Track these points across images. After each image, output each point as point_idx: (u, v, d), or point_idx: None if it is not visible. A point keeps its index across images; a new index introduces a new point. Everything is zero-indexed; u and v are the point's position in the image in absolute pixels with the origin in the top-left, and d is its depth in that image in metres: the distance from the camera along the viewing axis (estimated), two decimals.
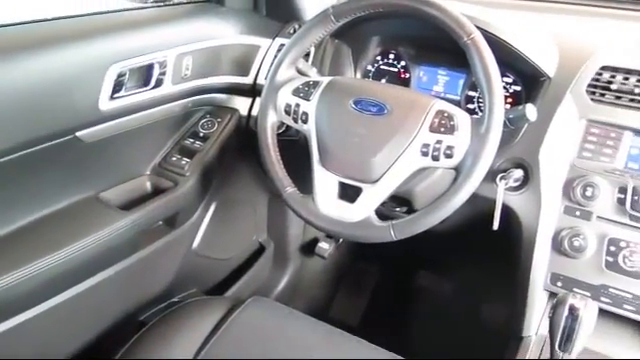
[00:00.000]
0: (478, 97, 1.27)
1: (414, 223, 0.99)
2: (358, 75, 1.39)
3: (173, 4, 1.39)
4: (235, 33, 1.38)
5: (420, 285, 2.00)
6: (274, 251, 1.77)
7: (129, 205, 1.23)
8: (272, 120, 1.12)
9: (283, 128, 1.27)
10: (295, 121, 1.09)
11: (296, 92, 1.10)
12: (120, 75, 1.13)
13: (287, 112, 1.10)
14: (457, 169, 0.98)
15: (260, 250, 1.74)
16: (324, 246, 1.69)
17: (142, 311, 1.39)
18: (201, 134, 1.38)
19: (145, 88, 1.21)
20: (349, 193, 1.05)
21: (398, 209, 1.27)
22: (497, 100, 0.94)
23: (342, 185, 1.05)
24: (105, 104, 1.12)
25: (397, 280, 2.02)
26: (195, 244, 1.48)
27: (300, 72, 1.16)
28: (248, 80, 1.41)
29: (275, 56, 1.35)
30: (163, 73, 1.23)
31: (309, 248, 1.77)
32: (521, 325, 1.17)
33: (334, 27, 1.10)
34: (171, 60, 1.23)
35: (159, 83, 1.23)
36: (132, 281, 1.30)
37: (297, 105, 1.08)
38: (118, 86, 1.13)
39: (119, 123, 1.19)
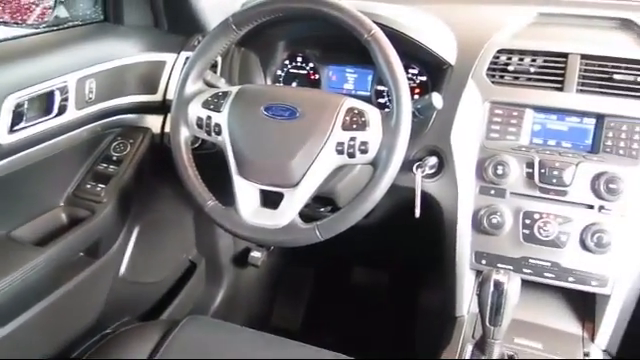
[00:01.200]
0: (387, 91, 1.30)
1: (338, 221, 1.00)
2: (268, 81, 1.40)
3: (68, 27, 1.34)
4: (138, 51, 1.35)
5: (357, 281, 2.03)
6: (206, 267, 1.74)
7: (44, 240, 1.18)
8: (185, 135, 1.10)
9: (199, 142, 1.26)
10: (208, 134, 1.08)
11: (206, 104, 1.08)
12: (18, 106, 1.07)
13: (199, 125, 1.08)
14: (374, 163, 0.99)
15: (192, 268, 1.71)
16: (256, 255, 1.69)
17: (74, 348, 1.33)
18: (114, 157, 1.34)
19: (48, 116, 1.16)
20: (271, 199, 1.04)
21: (322, 209, 1.28)
22: (403, 92, 0.97)
23: (263, 192, 1.05)
24: (5, 138, 1.06)
25: (334, 279, 2.03)
26: (122, 271, 1.44)
27: (208, 84, 1.14)
28: (157, 97, 1.38)
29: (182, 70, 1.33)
30: (65, 99, 1.18)
31: (241, 259, 1.75)
32: (454, 306, 1.20)
33: (237, 36, 1.10)
34: (72, 85, 1.19)
35: (62, 110, 1.18)
36: (59, 318, 1.24)
37: (208, 117, 1.07)
38: (17, 118, 1.08)
39: (24, 156, 1.13)
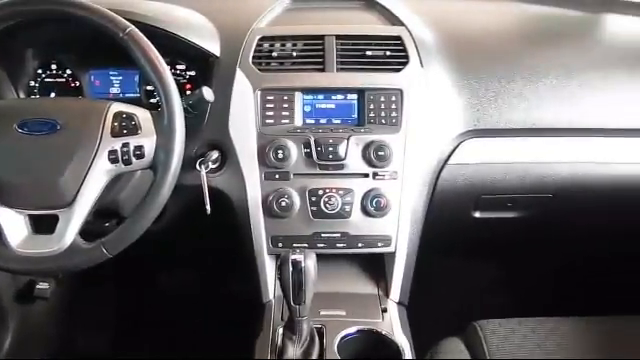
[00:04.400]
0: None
1: (125, 234, 0.95)
2: (22, 94, 1.26)
3: None
4: None
5: (164, 286, 1.96)
6: None
7: None
8: None
9: None
10: None
11: None
12: None
13: None
14: (153, 167, 0.96)
15: None
16: (43, 286, 1.53)
17: None
18: None
19: None
20: (45, 224, 0.95)
21: (108, 223, 1.20)
22: (170, 90, 0.95)
23: (33, 218, 0.95)
24: None
25: (139, 290, 1.94)
26: None
27: None
28: None
29: None
30: None
31: (27, 294, 1.57)
32: (260, 293, 1.22)
33: None
34: None
35: None
36: None
37: None
38: None
39: None
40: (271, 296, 1.21)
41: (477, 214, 1.34)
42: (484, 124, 1.21)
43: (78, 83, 1.28)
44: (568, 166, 1.23)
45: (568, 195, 1.27)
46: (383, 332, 1.08)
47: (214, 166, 1.15)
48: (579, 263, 1.76)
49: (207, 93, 1.04)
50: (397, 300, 1.20)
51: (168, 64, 0.98)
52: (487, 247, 1.70)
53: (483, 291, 1.82)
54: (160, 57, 0.95)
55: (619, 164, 1.25)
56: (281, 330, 1.05)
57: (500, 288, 1.81)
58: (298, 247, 1.12)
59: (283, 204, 1.13)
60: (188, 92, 1.25)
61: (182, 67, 1.25)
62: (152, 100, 1.27)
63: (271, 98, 1.16)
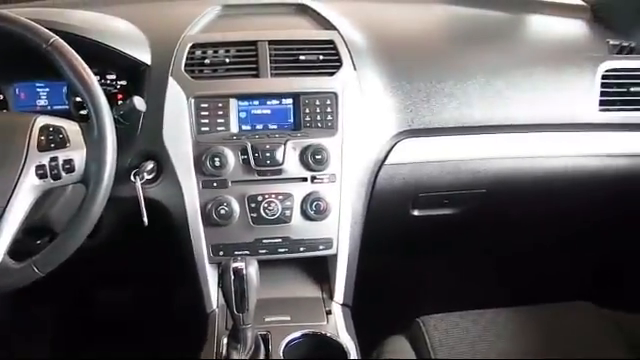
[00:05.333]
0: None
1: (57, 251, 0.93)
2: None
3: None
4: None
5: (104, 301, 1.91)
6: None
7: None
8: None
9: None
10: None
11: None
12: None
13: None
14: (84, 181, 0.94)
15: None
16: None
17: None
18: None
19: None
20: None
21: (40, 241, 1.16)
22: (99, 101, 0.93)
23: None
24: None
25: (77, 305, 1.89)
26: None
27: None
28: None
29: None
30: None
31: None
32: (203, 303, 1.20)
33: None
34: None
35: None
36: None
37: None
38: None
39: None
40: (215, 305, 1.19)
41: (416, 212, 1.36)
42: (418, 124, 1.23)
43: (2, 96, 1.22)
44: (498, 161, 1.28)
45: (500, 189, 1.32)
46: (328, 334, 1.09)
47: (150, 177, 1.13)
48: (516, 254, 1.82)
49: (138, 102, 1.03)
50: (341, 302, 1.21)
51: (97, 74, 0.96)
52: (428, 244, 1.74)
53: (427, 287, 1.86)
54: (87, 68, 0.93)
55: (546, 158, 1.31)
56: (225, 339, 1.04)
57: (443, 283, 1.85)
58: (239, 255, 1.12)
59: (222, 212, 1.12)
60: (120, 102, 1.22)
61: (112, 77, 1.22)
62: (82, 112, 1.23)
63: (205, 106, 1.15)
